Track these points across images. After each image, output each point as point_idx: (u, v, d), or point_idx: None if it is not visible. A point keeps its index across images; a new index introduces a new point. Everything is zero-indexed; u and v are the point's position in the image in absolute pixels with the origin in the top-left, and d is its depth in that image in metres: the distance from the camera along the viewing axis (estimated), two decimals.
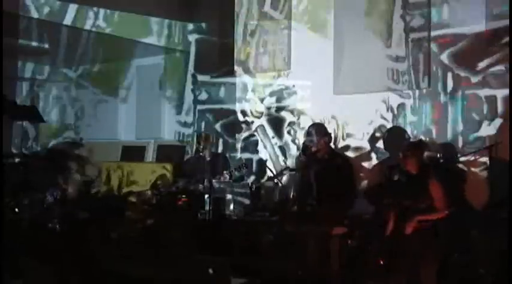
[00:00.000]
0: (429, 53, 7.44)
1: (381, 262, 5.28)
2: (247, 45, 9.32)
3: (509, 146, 6.07)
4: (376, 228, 6.11)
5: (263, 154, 8.94)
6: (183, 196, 7.26)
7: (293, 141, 8.70)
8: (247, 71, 9.32)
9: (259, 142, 9.01)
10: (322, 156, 6.09)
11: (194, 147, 8.66)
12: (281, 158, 8.82)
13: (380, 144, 7.71)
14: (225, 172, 7.30)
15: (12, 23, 8.88)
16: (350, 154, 7.88)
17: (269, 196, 7.39)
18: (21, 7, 9.10)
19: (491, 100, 6.97)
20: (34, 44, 10.65)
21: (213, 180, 7.16)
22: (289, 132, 8.78)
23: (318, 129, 6.21)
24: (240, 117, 9.32)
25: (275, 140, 8.91)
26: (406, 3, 7.65)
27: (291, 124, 8.76)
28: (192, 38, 10.11)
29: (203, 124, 9.76)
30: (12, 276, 5.53)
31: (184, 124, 10.07)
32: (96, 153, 9.95)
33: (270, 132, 8.98)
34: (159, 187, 7.95)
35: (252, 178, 8.67)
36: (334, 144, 7.70)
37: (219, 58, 9.68)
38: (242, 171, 7.47)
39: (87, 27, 10.04)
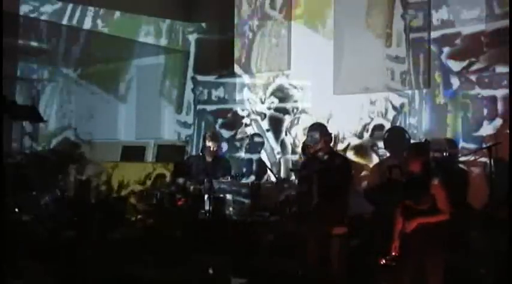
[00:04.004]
0: (429, 53, 7.44)
1: (382, 262, 5.28)
2: (247, 45, 9.32)
3: (509, 146, 6.06)
4: (377, 228, 6.12)
5: (263, 154, 8.93)
6: (183, 196, 7.26)
7: (293, 141, 8.70)
8: (247, 71, 9.32)
9: (259, 142, 8.99)
10: (322, 155, 6.08)
11: (200, 146, 8.65)
12: (280, 158, 8.82)
13: (380, 144, 7.71)
14: (224, 178, 7.34)
15: (12, 23, 8.87)
16: (350, 153, 7.88)
17: (269, 196, 7.38)
18: (21, 7, 9.12)
19: (491, 100, 6.97)
20: (34, 44, 10.64)
21: (214, 180, 7.16)
22: (289, 132, 8.79)
23: (318, 129, 6.20)
24: (240, 117, 9.32)
25: (275, 140, 8.91)
26: (406, 3, 7.65)
27: (290, 124, 8.76)
28: (192, 38, 10.12)
29: (203, 124, 9.77)
30: (12, 276, 5.52)
31: (184, 124, 10.08)
32: (96, 153, 9.95)
33: (269, 132, 8.98)
34: (159, 187, 7.95)
35: (252, 178, 8.67)
36: (334, 143, 7.70)
37: (219, 58, 9.69)
38: (238, 179, 7.51)
39: (87, 27, 10.04)
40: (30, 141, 11.62)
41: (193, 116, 9.95)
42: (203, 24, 10.00)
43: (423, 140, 6.70)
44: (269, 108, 9.01)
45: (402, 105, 7.67)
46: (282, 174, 8.55)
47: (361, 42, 8.01)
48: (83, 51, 10.91)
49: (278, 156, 8.86)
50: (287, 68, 8.85)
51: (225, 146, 9.21)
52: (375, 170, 7.29)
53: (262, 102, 9.09)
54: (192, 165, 7.77)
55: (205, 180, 7.18)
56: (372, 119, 7.90)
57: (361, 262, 6.04)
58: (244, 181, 7.81)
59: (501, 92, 6.86)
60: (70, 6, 9.82)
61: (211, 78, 9.77)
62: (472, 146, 6.98)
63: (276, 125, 8.91)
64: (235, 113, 9.39)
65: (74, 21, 10.03)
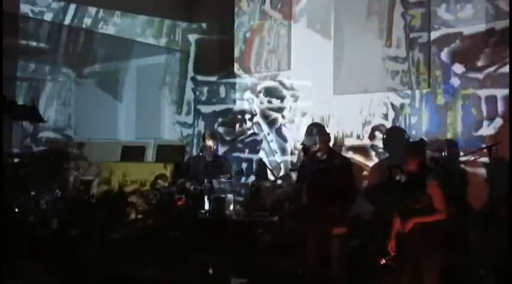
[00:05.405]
0: (429, 53, 7.44)
1: (382, 262, 5.28)
2: (247, 45, 9.32)
3: (509, 146, 6.06)
4: (377, 228, 6.12)
5: (263, 154, 8.94)
6: (183, 196, 7.26)
7: (293, 142, 8.69)
8: (247, 71, 9.32)
9: (259, 142, 9.00)
10: (321, 156, 6.08)
11: (199, 146, 8.65)
12: (280, 158, 8.82)
13: (380, 144, 7.71)
14: (224, 176, 7.33)
15: (12, 23, 8.87)
16: (350, 153, 7.88)
17: (269, 196, 7.38)
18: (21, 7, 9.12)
19: (491, 100, 6.97)
20: (34, 44, 10.65)
21: (214, 180, 7.16)
22: (288, 132, 8.78)
23: (318, 129, 6.21)
24: (240, 117, 9.32)
25: (274, 140, 8.90)
26: (406, 3, 7.65)
27: (290, 124, 8.76)
28: (192, 38, 10.12)
29: (203, 124, 9.77)
30: (12, 276, 5.53)
31: (184, 124, 10.08)
32: (96, 153, 9.94)
33: (269, 132, 8.98)
34: (159, 187, 7.95)
35: (252, 178, 8.67)
36: (334, 143, 7.70)
37: (219, 58, 9.69)
38: (239, 176, 7.51)
39: (88, 26, 10.05)
40: (30, 141, 11.61)
41: (193, 116, 9.95)
42: (203, 24, 10.01)
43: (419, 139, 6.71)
44: (269, 108, 9.01)
45: (402, 105, 7.67)
46: (282, 174, 8.54)
47: (361, 42, 8.01)
48: (83, 51, 10.92)
49: (277, 156, 8.85)
50: (287, 68, 8.85)
51: (224, 146, 9.22)
52: (375, 170, 7.29)
53: (262, 102, 9.09)
54: (192, 165, 7.77)
55: (205, 180, 7.18)
56: (372, 119, 7.89)
57: (361, 262, 6.04)
58: (244, 181, 7.83)
59: (501, 92, 6.86)
60: (70, 6, 9.83)
61: (211, 78, 9.77)
62: (472, 146, 6.98)
63: (275, 125, 8.91)
64: (235, 113, 9.39)
65: (74, 21, 10.04)
